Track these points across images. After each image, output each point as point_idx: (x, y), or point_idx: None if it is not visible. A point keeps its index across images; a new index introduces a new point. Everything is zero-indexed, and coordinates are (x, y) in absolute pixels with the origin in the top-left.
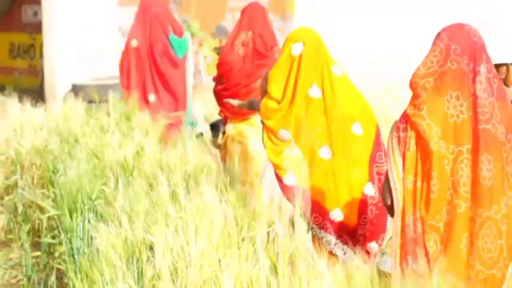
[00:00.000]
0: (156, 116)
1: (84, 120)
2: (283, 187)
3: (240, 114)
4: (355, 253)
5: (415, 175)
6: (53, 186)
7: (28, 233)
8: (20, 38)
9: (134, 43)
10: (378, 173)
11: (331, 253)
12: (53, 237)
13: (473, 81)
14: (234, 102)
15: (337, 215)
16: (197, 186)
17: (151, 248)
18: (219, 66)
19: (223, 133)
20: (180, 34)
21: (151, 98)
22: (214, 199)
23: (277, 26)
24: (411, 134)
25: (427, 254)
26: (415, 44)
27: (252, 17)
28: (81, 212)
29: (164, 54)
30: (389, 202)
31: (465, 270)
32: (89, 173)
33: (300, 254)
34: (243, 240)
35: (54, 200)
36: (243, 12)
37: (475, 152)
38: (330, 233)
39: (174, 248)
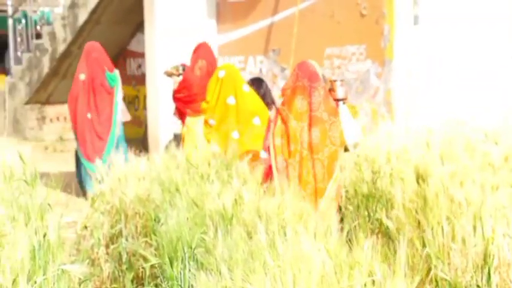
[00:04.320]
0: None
1: (184, 168)
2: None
3: (194, 113)
4: None
5: (281, 137)
6: (155, 234)
7: (132, 281)
8: (125, 90)
9: (82, 77)
10: (266, 144)
11: None
12: (156, 286)
13: (310, 90)
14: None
15: None
16: (295, 234)
17: None
18: (183, 82)
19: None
20: (111, 70)
21: (89, 115)
22: (313, 247)
23: (375, 71)
24: (278, 117)
25: (288, 176)
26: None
27: (205, 51)
28: (182, 261)
29: (102, 85)
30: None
31: (306, 184)
32: (189, 222)
33: None
34: None
35: (156, 249)
36: (199, 47)
37: (310, 126)
38: None
39: None
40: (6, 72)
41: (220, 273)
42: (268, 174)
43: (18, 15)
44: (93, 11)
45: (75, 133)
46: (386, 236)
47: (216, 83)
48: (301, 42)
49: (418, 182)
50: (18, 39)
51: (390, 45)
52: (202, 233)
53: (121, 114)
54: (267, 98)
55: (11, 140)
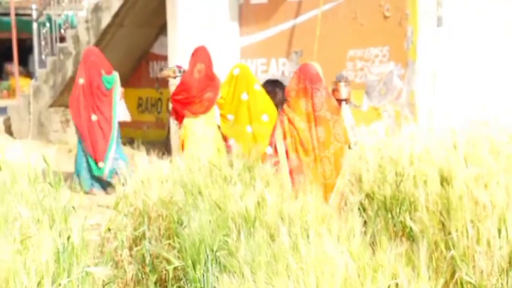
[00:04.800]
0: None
1: (207, 171)
2: (228, 146)
3: (192, 114)
4: None
5: (291, 137)
6: (178, 237)
7: (155, 283)
8: (148, 92)
9: (81, 81)
10: (273, 142)
11: None
12: None
13: (312, 92)
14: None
15: None
16: (318, 236)
17: None
18: (182, 84)
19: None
20: (109, 73)
21: (94, 117)
22: (336, 250)
23: (398, 73)
24: (285, 118)
25: (302, 173)
26: None
27: (203, 55)
28: (205, 263)
29: (98, 88)
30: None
31: (318, 180)
32: (212, 224)
33: None
34: None
35: (179, 251)
36: (197, 51)
37: (315, 125)
38: None
39: None
40: (30, 75)
41: (243, 276)
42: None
43: (42, 19)
44: (116, 14)
45: (80, 135)
46: (410, 238)
47: (231, 80)
48: (323, 44)
49: (442, 184)
50: (43, 42)
51: (413, 46)
52: (225, 235)
53: (121, 114)
54: (277, 99)
55: (35, 143)
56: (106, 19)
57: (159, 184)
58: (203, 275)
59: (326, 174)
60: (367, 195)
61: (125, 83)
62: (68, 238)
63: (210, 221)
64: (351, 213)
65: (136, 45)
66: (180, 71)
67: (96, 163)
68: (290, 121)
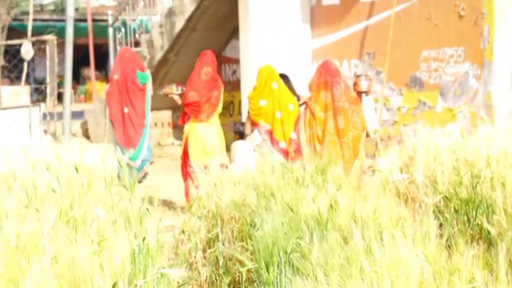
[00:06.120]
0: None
1: (279, 173)
2: (260, 127)
3: (197, 119)
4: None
5: (310, 128)
6: (251, 239)
7: (229, 285)
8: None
9: (116, 76)
10: (297, 129)
11: None
12: None
13: (331, 85)
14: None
15: (282, 144)
16: (392, 239)
17: None
18: (191, 85)
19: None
20: (143, 70)
21: (126, 110)
22: (411, 253)
23: (474, 74)
24: (307, 109)
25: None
26: None
27: (210, 59)
28: (278, 265)
29: (133, 83)
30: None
31: (337, 162)
32: (285, 227)
33: None
34: None
35: (252, 253)
36: (204, 55)
37: (335, 115)
38: (277, 151)
39: None
40: (107, 80)
41: (316, 279)
42: (297, 151)
43: (118, 24)
44: (189, 19)
45: (113, 125)
46: (487, 241)
47: (262, 72)
48: (396, 45)
49: None
50: (118, 47)
51: (490, 46)
52: (298, 237)
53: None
54: (293, 91)
55: (110, 146)
56: (179, 23)
57: (232, 186)
58: (276, 277)
59: (345, 157)
60: (443, 198)
61: None
62: (143, 240)
63: (282, 223)
64: (426, 216)
65: (208, 49)
66: (178, 89)
67: (126, 151)
68: (312, 113)
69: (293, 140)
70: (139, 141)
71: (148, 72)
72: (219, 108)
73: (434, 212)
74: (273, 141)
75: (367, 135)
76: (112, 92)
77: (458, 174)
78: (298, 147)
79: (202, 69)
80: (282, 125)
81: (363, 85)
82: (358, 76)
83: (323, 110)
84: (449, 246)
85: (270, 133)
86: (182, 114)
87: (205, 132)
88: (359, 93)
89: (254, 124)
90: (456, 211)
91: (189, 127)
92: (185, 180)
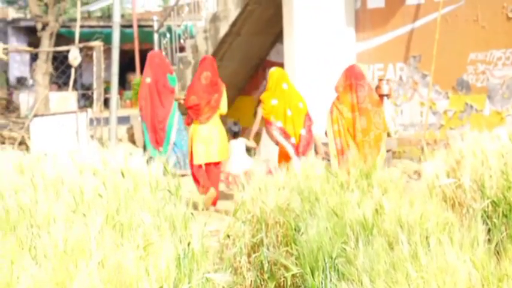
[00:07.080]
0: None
1: (324, 178)
2: (273, 126)
3: (199, 122)
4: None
5: (338, 125)
6: (295, 244)
7: None
8: None
9: (148, 80)
10: (307, 125)
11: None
12: None
13: (356, 87)
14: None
15: (292, 139)
16: (439, 245)
17: None
18: (191, 89)
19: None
20: (171, 73)
21: (156, 111)
22: (458, 259)
23: None
24: (334, 109)
25: (345, 154)
26: None
27: (210, 64)
28: (323, 270)
29: (164, 86)
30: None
31: (363, 157)
32: (329, 231)
33: None
34: None
35: (297, 258)
36: (204, 60)
37: (360, 115)
38: (289, 146)
39: None
40: None
41: (361, 284)
42: (306, 147)
43: (163, 29)
44: (234, 24)
45: (146, 125)
46: None
47: (273, 74)
48: (443, 48)
49: None
50: (164, 52)
51: None
52: (343, 242)
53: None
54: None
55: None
56: (224, 28)
57: (276, 191)
58: (321, 282)
59: (367, 155)
60: (491, 202)
61: (242, 90)
62: (188, 244)
63: (327, 228)
64: (473, 221)
65: (252, 54)
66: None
67: (155, 148)
68: (339, 112)
69: (303, 136)
70: (163, 141)
71: (175, 75)
72: (222, 110)
73: (482, 217)
74: (286, 136)
75: (388, 135)
76: (144, 94)
77: (506, 178)
78: (307, 143)
79: (202, 74)
80: (292, 122)
81: (385, 88)
82: (380, 80)
83: (351, 110)
84: (497, 252)
85: (283, 130)
86: (187, 116)
87: (207, 133)
88: (381, 96)
89: (266, 122)
90: (505, 216)
91: (192, 128)
92: (195, 180)
